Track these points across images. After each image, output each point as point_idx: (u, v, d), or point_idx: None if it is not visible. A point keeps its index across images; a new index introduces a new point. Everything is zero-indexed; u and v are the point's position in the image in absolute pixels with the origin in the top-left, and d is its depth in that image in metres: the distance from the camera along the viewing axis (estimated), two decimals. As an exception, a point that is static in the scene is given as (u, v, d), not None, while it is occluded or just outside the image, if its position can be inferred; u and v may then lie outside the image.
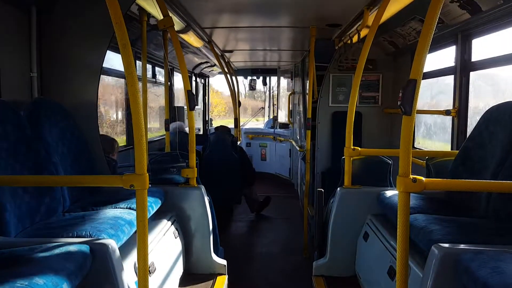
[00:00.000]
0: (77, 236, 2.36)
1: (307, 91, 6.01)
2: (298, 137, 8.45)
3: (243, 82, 11.96)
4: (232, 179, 6.34)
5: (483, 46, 3.91)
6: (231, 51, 7.66)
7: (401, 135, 2.08)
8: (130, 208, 2.92)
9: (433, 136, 5.29)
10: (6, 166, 2.45)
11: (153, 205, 3.29)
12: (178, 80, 8.35)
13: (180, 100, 8.85)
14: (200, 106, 10.88)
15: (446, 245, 2.21)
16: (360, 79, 3.78)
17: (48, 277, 1.77)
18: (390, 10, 3.69)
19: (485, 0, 3.22)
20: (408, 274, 2.18)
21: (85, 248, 2.13)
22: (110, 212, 2.82)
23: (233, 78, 8.78)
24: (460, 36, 4.02)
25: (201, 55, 7.67)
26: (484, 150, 2.94)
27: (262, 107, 15.30)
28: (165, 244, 3.34)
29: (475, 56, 3.95)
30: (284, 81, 12.00)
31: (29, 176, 2.55)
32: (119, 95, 6.19)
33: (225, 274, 3.92)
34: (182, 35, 5.04)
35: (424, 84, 5.04)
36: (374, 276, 3.29)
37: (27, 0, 3.28)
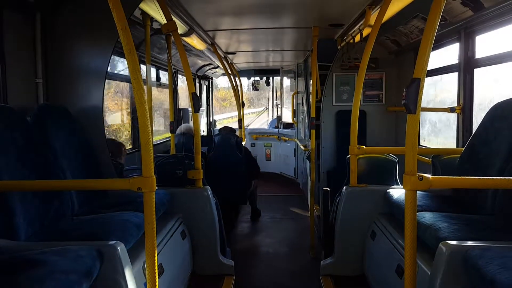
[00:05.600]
0: (86, 239, 2.38)
1: (311, 91, 6.02)
2: (303, 137, 8.45)
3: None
4: (238, 179, 6.35)
5: (486, 43, 3.90)
6: (234, 53, 7.67)
7: (406, 133, 2.09)
8: (137, 211, 2.94)
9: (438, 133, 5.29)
10: (15, 171, 2.48)
11: (160, 207, 3.32)
12: (181, 83, 8.38)
13: (184, 102, 8.88)
14: (204, 108, 10.90)
15: (454, 242, 2.22)
16: (364, 78, 3.79)
17: (59, 280, 1.80)
18: (392, 9, 3.69)
19: (487, -3, 3.22)
20: (416, 272, 2.19)
21: (95, 251, 2.16)
22: (118, 215, 2.84)
23: (237, 79, 8.80)
24: (463, 33, 4.02)
25: (204, 57, 7.70)
26: (489, 147, 2.94)
27: (266, 107, 15.31)
28: (172, 245, 3.36)
29: (479, 53, 3.95)
30: (287, 81, 12.01)
31: (38, 181, 2.58)
32: (124, 99, 6.22)
33: (232, 275, 3.93)
34: (185, 38, 5.06)
35: (430, 82, 5.03)
36: (382, 274, 3.29)
37: (31, 6, 3.31)
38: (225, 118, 22.66)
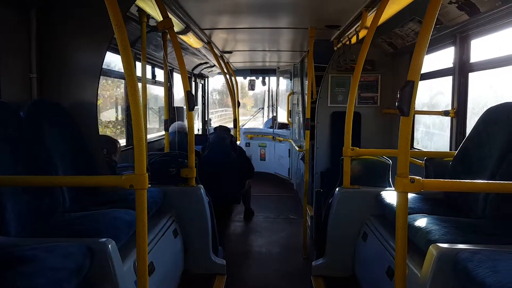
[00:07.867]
0: (77, 236, 2.37)
1: (306, 92, 6.03)
2: (297, 137, 8.46)
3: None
4: (231, 179, 6.34)
5: (481, 47, 3.92)
6: (230, 52, 7.67)
7: (399, 135, 2.10)
8: (129, 208, 2.93)
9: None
10: (7, 167, 2.46)
11: (152, 205, 3.31)
12: (177, 81, 8.37)
13: (179, 99, 8.86)
14: (199, 106, 10.89)
15: (444, 245, 2.23)
16: (359, 80, 3.80)
17: (49, 277, 1.79)
18: (389, 11, 3.70)
19: (483, 1, 3.23)
20: (407, 274, 2.20)
21: (85, 248, 2.14)
22: (110, 212, 2.83)
23: (232, 78, 8.79)
24: (459, 37, 4.03)
25: (201, 56, 7.69)
26: (482, 150, 2.96)
27: (262, 107, 15.32)
28: (164, 244, 3.36)
29: (474, 57, 3.97)
30: (283, 81, 12.03)
31: (29, 176, 2.56)
32: (119, 96, 6.20)
33: (224, 274, 3.93)
34: (182, 36, 5.05)
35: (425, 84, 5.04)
36: (373, 276, 3.31)
37: (26, 2, 3.29)
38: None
